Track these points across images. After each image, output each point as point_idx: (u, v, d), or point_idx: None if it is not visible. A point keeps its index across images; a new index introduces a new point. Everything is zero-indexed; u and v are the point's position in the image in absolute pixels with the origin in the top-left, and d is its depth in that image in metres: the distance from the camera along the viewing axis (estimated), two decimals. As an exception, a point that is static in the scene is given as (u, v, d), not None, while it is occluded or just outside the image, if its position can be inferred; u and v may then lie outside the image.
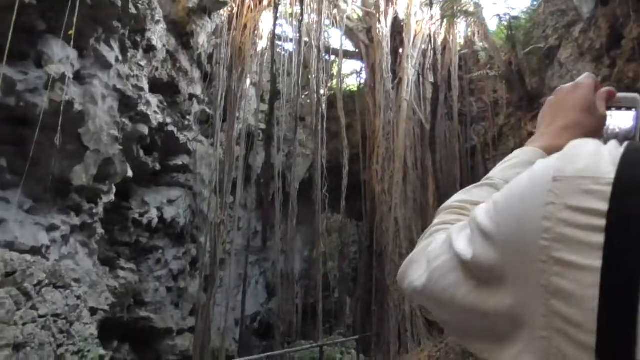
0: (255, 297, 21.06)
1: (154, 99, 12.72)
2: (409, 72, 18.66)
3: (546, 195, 0.58)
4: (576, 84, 0.88)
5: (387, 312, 17.29)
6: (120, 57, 10.71)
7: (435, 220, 0.86)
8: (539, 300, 0.56)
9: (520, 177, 0.65)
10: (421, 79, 19.18)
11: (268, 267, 21.75)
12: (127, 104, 11.12)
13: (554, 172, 0.60)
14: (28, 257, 8.20)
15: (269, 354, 7.95)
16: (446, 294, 0.65)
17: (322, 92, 18.09)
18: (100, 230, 11.39)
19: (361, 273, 21.53)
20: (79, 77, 9.64)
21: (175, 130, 13.96)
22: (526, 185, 0.63)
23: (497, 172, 0.91)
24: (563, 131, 0.85)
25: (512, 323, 0.60)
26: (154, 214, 14.16)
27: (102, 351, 9.43)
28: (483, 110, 18.74)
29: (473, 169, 18.94)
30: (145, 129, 12.24)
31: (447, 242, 0.70)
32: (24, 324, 7.43)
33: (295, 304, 19.86)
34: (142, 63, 11.61)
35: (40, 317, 7.82)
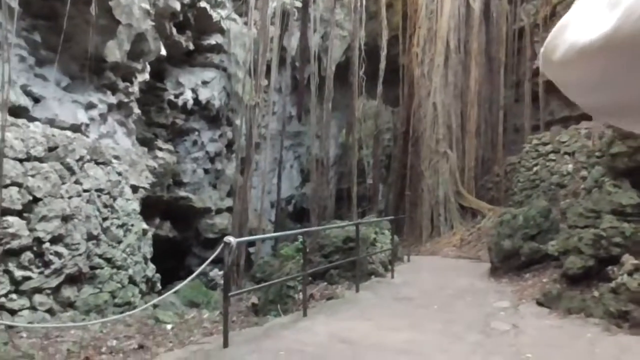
0: (290, 180, 21.39)
1: (184, -28, 12.07)
2: (457, -58, 17.14)
3: None
4: None
5: (420, 197, 17.41)
6: None
7: None
8: None
9: None
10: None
11: (302, 152, 21.86)
12: (157, -24, 10.57)
13: None
14: (69, 133, 8.26)
15: (305, 229, 8.06)
16: None
17: (361, -34, 16.84)
18: (136, 110, 11.35)
19: (395, 159, 21.48)
20: (104, -56, 9.07)
21: (207, 7, 13.38)
22: None
23: None
24: None
25: None
26: (188, 95, 14.04)
27: (145, 225, 9.79)
28: (536, -13, 17.29)
29: (519, 52, 17.92)
30: (177, 5, 11.73)
31: None
32: (69, 197, 7.65)
33: (329, 188, 20.10)
34: None
35: (85, 191, 8.03)
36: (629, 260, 6.29)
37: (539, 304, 7.08)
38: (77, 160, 8.01)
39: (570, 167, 13.43)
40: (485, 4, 18.18)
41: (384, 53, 17.73)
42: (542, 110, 16.89)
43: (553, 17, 16.22)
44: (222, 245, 5.19)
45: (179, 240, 14.57)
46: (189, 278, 5.38)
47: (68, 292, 7.46)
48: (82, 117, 9.48)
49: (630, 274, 6.07)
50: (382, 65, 17.68)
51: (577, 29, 0.49)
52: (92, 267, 7.94)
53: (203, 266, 5.35)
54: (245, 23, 14.75)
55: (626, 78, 0.45)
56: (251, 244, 15.01)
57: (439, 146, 17.19)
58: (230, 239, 5.19)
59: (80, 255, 7.62)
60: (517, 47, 18.04)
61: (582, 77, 0.50)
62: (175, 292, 6.91)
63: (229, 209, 15.32)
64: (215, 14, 13.87)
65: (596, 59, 0.46)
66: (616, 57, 0.44)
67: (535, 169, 14.81)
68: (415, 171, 17.91)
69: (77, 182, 7.90)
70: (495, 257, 9.83)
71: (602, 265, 6.72)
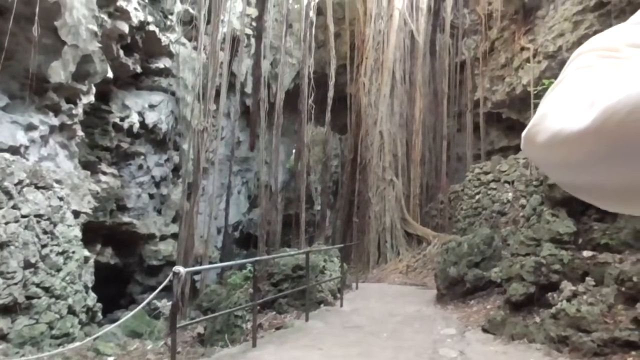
0: (237, 206, 21.16)
1: (134, -5, 11.93)
2: (403, -22, 17.81)
3: None
4: None
5: (367, 224, 17.58)
6: (96, -56, 9.85)
7: (574, 65, 0.62)
8: None
9: None
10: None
11: (250, 177, 21.73)
12: (105, -2, 10.40)
13: None
14: (7, 155, 7.89)
15: (256, 258, 7.95)
16: None
17: (311, -4, 17.21)
18: (80, 132, 11.00)
19: (343, 186, 21.69)
20: (52, -36, 8.85)
21: (156, 30, 13.24)
22: None
23: None
24: None
25: None
26: (135, 118, 13.74)
27: (86, 253, 9.41)
28: (476, 23, 18.15)
29: (461, 84, 18.66)
30: (125, 27, 11.56)
31: None
32: (6, 223, 7.27)
33: (277, 214, 20.01)
34: (121, -47, 10.74)
35: (23, 216, 7.66)
36: (567, 287, 6.56)
37: (484, 330, 7.25)
38: (16, 184, 7.65)
39: (510, 195, 13.97)
40: (429, 37, 18.91)
41: (332, 82, 18.05)
42: (483, 140, 17.59)
43: (492, 51, 17.04)
44: (170, 275, 5.05)
45: (120, 267, 14.06)
46: (136, 310, 5.18)
47: (0, 323, 7.04)
48: (21, 138, 9.10)
49: (568, 299, 6.33)
50: (331, 93, 17.98)
51: (558, 118, 0.54)
52: (29, 297, 7.53)
53: (151, 297, 5.18)
54: (195, 48, 14.69)
55: (604, 166, 0.51)
56: (196, 271, 14.67)
57: (385, 174, 17.51)
58: (180, 269, 5.06)
59: (15, 284, 7.22)
60: (458, 79, 18.81)
61: (565, 160, 0.55)
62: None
63: (174, 235, 14.97)
64: (164, 38, 13.75)
65: (579, 146, 0.51)
66: (595, 148, 0.50)
67: (477, 197, 15.32)
68: (363, 198, 18.13)
69: (15, 207, 7.53)
70: (441, 284, 10.02)
71: (543, 291, 6.99)
